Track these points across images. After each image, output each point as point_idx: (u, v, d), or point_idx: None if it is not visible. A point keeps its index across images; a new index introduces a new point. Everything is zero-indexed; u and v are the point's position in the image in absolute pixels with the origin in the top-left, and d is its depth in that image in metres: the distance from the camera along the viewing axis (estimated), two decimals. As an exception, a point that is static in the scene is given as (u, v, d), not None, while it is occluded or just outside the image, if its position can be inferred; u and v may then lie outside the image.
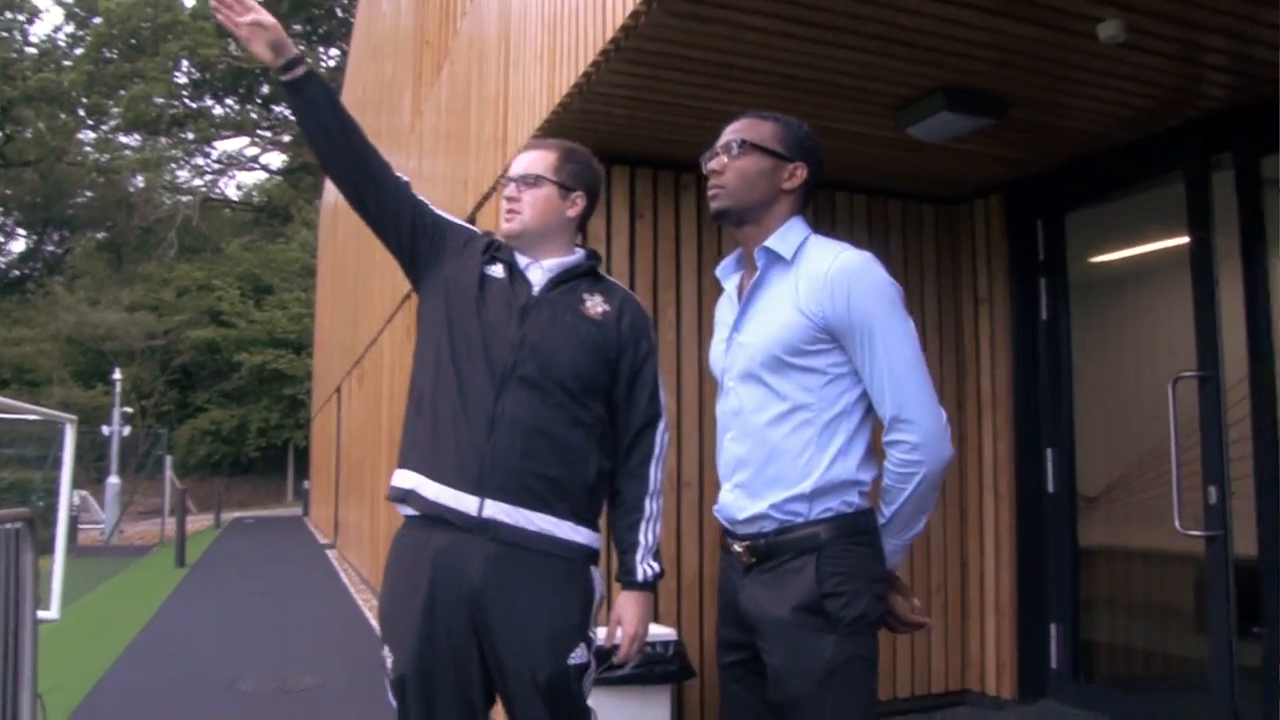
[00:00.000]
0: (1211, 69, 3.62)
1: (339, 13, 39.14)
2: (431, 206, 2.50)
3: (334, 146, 2.33)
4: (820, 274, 2.07)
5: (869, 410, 2.11)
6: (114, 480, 20.58)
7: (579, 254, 2.48)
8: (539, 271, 2.42)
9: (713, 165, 2.20)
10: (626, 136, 4.30)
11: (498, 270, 2.42)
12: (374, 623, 8.44)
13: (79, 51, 37.72)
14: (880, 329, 2.03)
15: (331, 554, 14.83)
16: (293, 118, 2.34)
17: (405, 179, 2.46)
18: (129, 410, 26.02)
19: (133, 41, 36.99)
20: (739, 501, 2.16)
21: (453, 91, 6.63)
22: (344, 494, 14.43)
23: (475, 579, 2.20)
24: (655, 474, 2.39)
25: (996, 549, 4.98)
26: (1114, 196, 4.64)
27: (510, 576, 2.22)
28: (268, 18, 2.26)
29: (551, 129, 4.11)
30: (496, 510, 2.23)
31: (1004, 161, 4.67)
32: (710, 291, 4.63)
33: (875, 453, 2.12)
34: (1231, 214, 3.99)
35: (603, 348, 2.35)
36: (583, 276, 2.44)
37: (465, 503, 2.24)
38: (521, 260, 2.44)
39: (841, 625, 1.99)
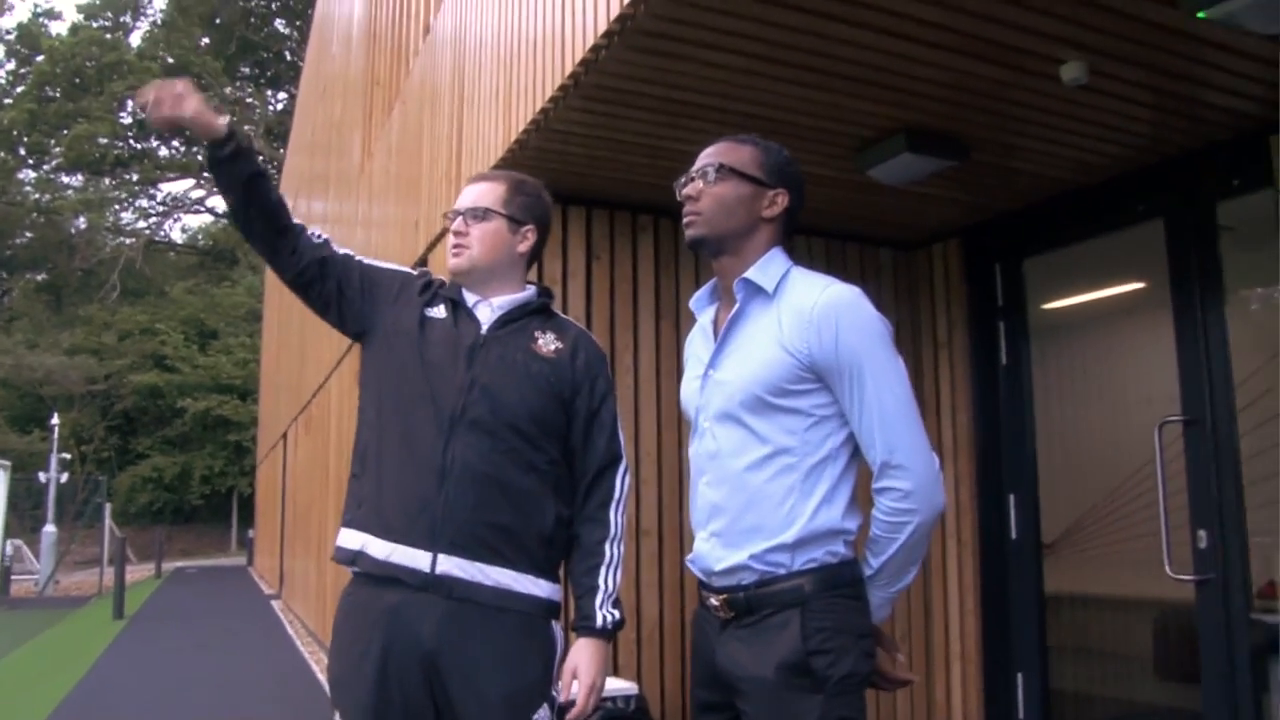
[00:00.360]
0: (1170, 114, 3.60)
1: (288, 55, 39.00)
2: (357, 257, 2.39)
3: (243, 213, 2.25)
4: (806, 309, 1.95)
5: (855, 454, 1.99)
6: (50, 529, 20.00)
7: (530, 290, 2.37)
8: (487, 309, 2.30)
9: (688, 191, 2.09)
10: (583, 176, 4.22)
11: (439, 310, 2.30)
12: (321, 677, 8.18)
13: (20, 89, 37.18)
14: (870, 368, 1.92)
15: (276, 604, 14.47)
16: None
17: (324, 237, 2.35)
18: (67, 456, 25.35)
19: (76, 80, 36.54)
20: (715, 551, 2.02)
21: (404, 132, 6.53)
22: (289, 543, 14.11)
23: (429, 639, 2.07)
24: (616, 518, 2.27)
25: (960, 596, 4.90)
26: (1072, 241, 4.62)
27: (466, 635, 2.09)
28: (188, 98, 2.14)
29: (506, 167, 4.00)
30: (450, 565, 2.10)
31: (962, 205, 4.64)
32: (668, 335, 4.55)
33: (860, 500, 2.01)
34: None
35: (556, 387, 2.24)
36: (534, 314, 2.33)
37: (417, 559, 2.11)
38: (469, 298, 2.32)
39: (829, 685, 1.87)
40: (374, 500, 2.18)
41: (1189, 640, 4.09)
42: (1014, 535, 4.82)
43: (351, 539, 2.19)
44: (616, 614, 2.21)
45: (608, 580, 2.21)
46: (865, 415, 1.92)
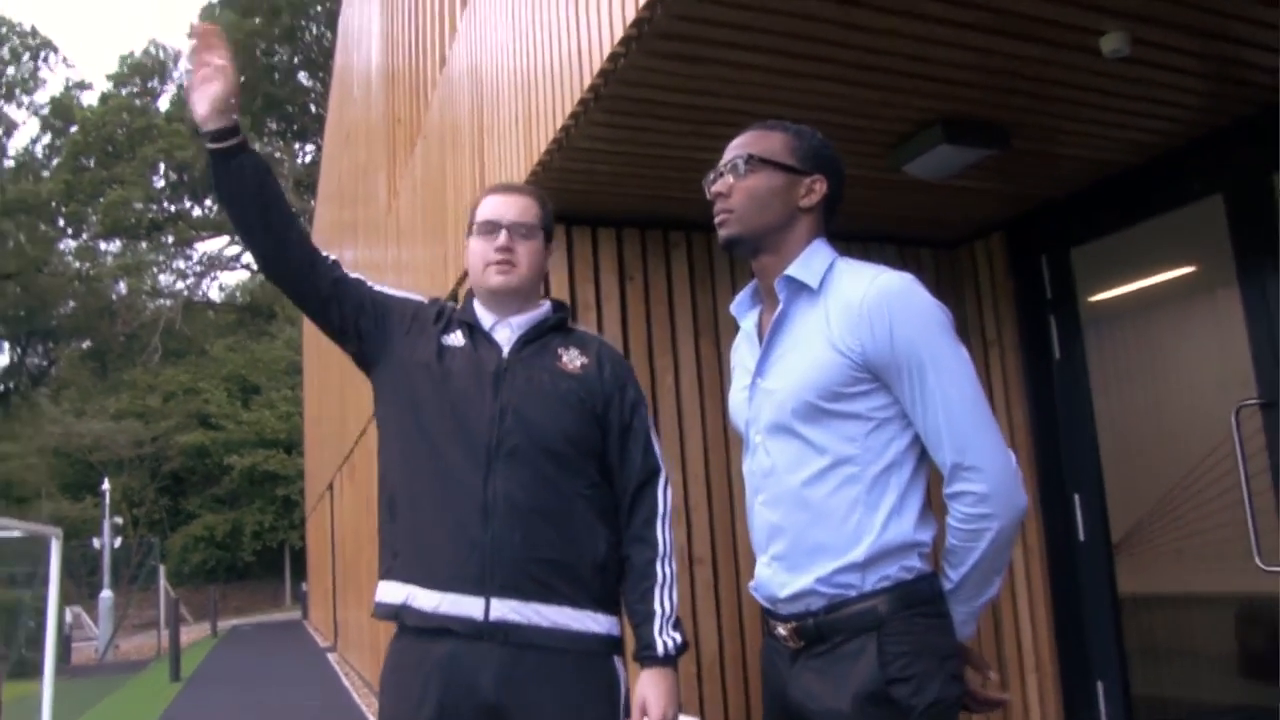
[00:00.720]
0: (1217, 80, 3.44)
1: (312, 108, 39.45)
2: (369, 283, 2.26)
3: (249, 218, 2.09)
4: (855, 302, 1.77)
5: (922, 458, 1.81)
6: (107, 594, 20.12)
7: (545, 306, 2.25)
8: (506, 331, 2.18)
9: (718, 187, 1.91)
10: (610, 195, 4.11)
11: (456, 338, 2.18)
12: (377, 726, 8.06)
13: (56, 161, 37.88)
14: (931, 361, 1.74)
15: (332, 657, 14.39)
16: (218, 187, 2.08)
17: (333, 258, 2.21)
18: (120, 520, 25.54)
19: (109, 148, 37.20)
20: (779, 577, 1.85)
21: (427, 167, 6.46)
22: (341, 594, 14.04)
23: (488, 690, 1.94)
24: (663, 534, 2.12)
25: (1030, 605, 4.69)
26: (1122, 226, 4.44)
27: (528, 684, 1.95)
28: (231, 71, 2.05)
29: (531, 191, 3.91)
30: (505, 610, 1.96)
31: (1003, 197, 4.48)
32: (708, 353, 4.41)
33: (933, 507, 1.84)
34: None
35: (588, 402, 2.11)
36: (553, 330, 2.21)
37: (469, 606, 1.97)
38: (486, 320, 2.20)
39: (914, 715, 1.68)
40: (413, 547, 2.05)
41: (1276, 635, 3.88)
42: (1082, 537, 4.61)
43: (393, 592, 2.05)
44: (678, 637, 2.07)
45: (664, 602, 2.07)
46: (930, 414, 1.75)
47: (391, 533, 2.11)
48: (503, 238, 2.17)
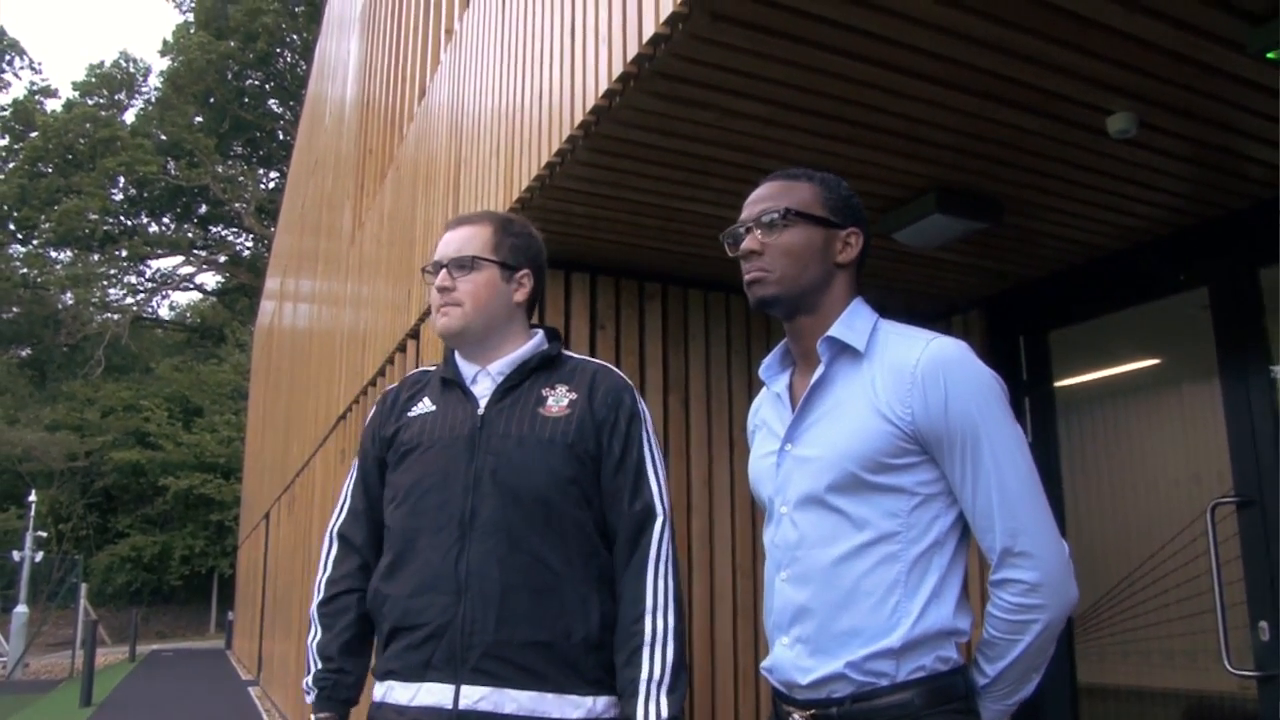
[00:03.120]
0: (1215, 171, 3.39)
1: (280, 135, 39.20)
2: (361, 468, 2.10)
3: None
4: (907, 367, 1.64)
5: (964, 539, 1.67)
6: (22, 609, 19.40)
7: (531, 342, 2.04)
8: (486, 381, 1.99)
9: (748, 244, 1.76)
10: (587, 239, 3.97)
11: (423, 405, 2.00)
12: (296, 772, 7.72)
13: (12, 165, 37.19)
14: (987, 434, 1.60)
15: (254, 691, 13.92)
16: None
17: (351, 523, 2.06)
18: (44, 534, 24.75)
19: (69, 156, 36.56)
20: (801, 661, 1.67)
21: (397, 198, 6.30)
22: (269, 626, 13.63)
23: None
24: (655, 584, 1.86)
25: (987, 691, 4.55)
26: (1103, 311, 4.38)
27: None
28: None
29: (507, 229, 3.77)
30: (475, 697, 1.78)
31: (984, 273, 4.41)
32: (676, 411, 4.27)
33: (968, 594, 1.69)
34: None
35: (579, 446, 1.90)
36: (538, 370, 2.00)
37: (439, 695, 1.80)
38: (466, 371, 2.01)
39: None
40: (391, 642, 1.89)
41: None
42: (1044, 625, 4.49)
43: (375, 692, 1.91)
44: (664, 707, 1.79)
45: (653, 665, 1.82)
46: (981, 493, 1.61)
47: (378, 632, 1.95)
48: (442, 277, 2.00)
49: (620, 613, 1.88)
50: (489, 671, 1.79)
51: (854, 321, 1.74)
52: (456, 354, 2.05)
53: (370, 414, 2.15)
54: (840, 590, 1.64)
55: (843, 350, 1.73)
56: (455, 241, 2.04)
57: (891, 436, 1.63)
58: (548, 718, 1.79)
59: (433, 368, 2.12)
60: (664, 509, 1.94)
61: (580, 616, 1.84)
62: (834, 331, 1.72)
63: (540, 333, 2.10)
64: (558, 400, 1.95)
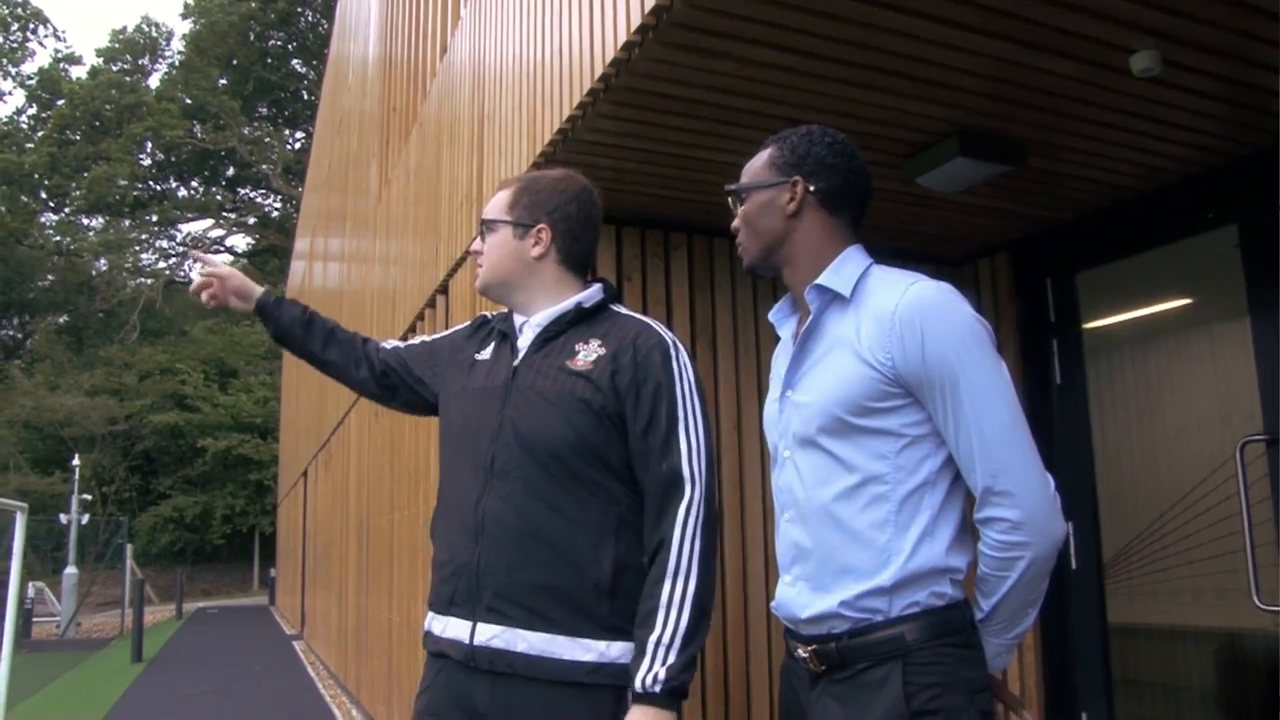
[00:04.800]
0: (1243, 108, 3.36)
1: (305, 95, 39.20)
2: (417, 341, 2.33)
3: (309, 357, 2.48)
4: (887, 312, 1.68)
5: (958, 478, 1.70)
6: (71, 570, 19.82)
7: (578, 296, 2.08)
8: (530, 332, 2.07)
9: (733, 225, 1.92)
10: (611, 192, 3.97)
11: (486, 352, 2.12)
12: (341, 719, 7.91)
13: (41, 134, 37.43)
14: (966, 379, 1.63)
15: (298, 645, 14.22)
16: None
17: (390, 345, 2.35)
18: (88, 498, 25.21)
19: (96, 123, 36.78)
20: (802, 597, 1.75)
21: (422, 156, 6.34)
22: (310, 582, 13.87)
23: (482, 706, 1.89)
24: (678, 547, 1.83)
25: (1018, 632, 4.60)
26: (1131, 252, 4.36)
27: (516, 715, 1.85)
28: (227, 272, 2.37)
29: (531, 184, 3.80)
30: (489, 635, 1.87)
31: (1011, 216, 4.39)
32: (705, 359, 4.30)
33: (970, 530, 1.73)
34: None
35: (595, 403, 1.91)
36: (579, 322, 2.04)
37: (459, 630, 1.91)
38: (517, 322, 2.11)
39: None
40: (435, 573, 2.05)
41: (1264, 673, 3.81)
42: (1074, 565, 4.52)
43: (425, 621, 2.07)
44: (664, 670, 1.77)
45: (664, 628, 1.80)
46: (962, 434, 1.64)
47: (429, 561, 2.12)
48: (477, 240, 2.16)
49: (648, 572, 1.88)
50: (500, 611, 1.87)
51: (842, 268, 1.79)
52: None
53: (460, 329, 2.35)
54: (834, 530, 1.70)
55: (832, 297, 1.78)
56: (488, 206, 2.18)
57: (874, 381, 1.67)
58: (558, 658, 1.84)
59: (495, 315, 2.27)
60: (694, 472, 1.90)
61: (593, 562, 1.87)
62: (821, 279, 1.78)
63: (596, 285, 2.14)
64: (587, 355, 1.98)
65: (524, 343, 2.06)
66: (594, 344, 2.00)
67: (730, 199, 1.90)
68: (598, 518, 1.90)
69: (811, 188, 1.82)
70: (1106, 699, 4.40)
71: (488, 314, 2.26)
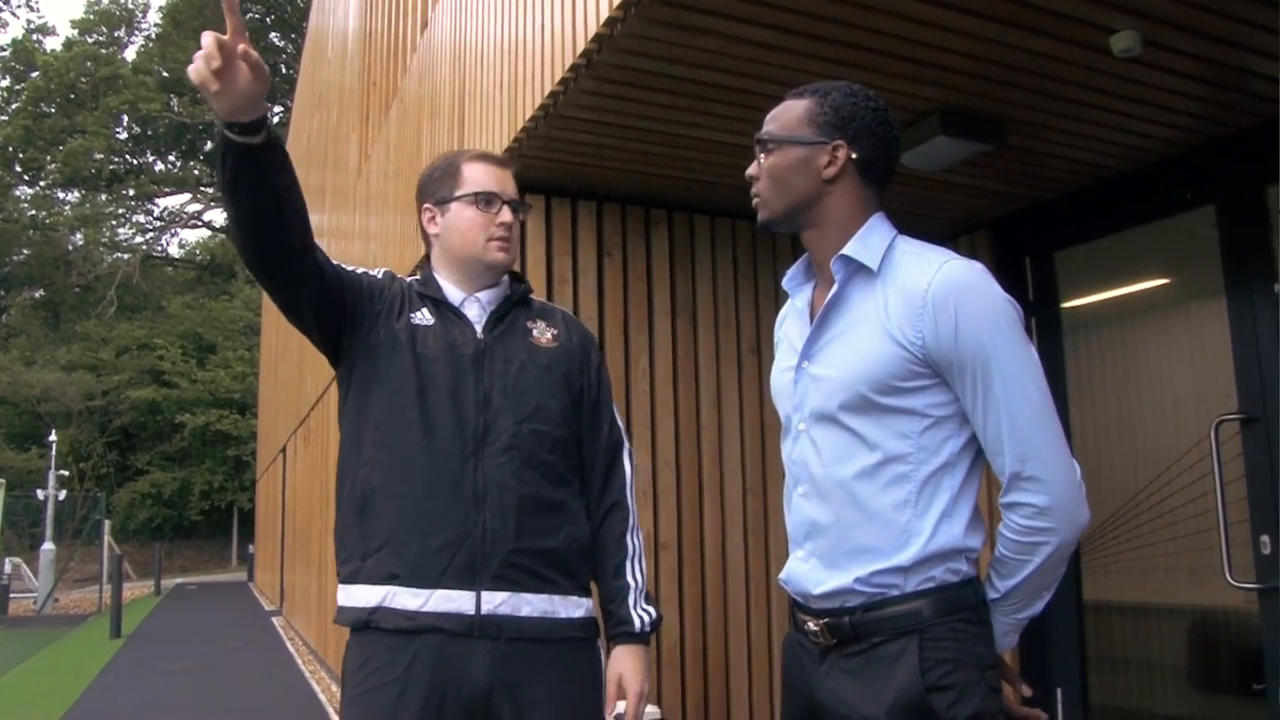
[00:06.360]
0: (1222, 89, 3.38)
1: (283, 69, 38.82)
2: (347, 267, 2.03)
3: (261, 217, 1.79)
4: (918, 291, 1.63)
5: (978, 459, 1.68)
6: (49, 546, 19.75)
7: (506, 280, 2.15)
8: (476, 307, 2.07)
9: (750, 171, 1.80)
10: (592, 168, 3.99)
11: (424, 315, 2.04)
12: (321, 696, 7.94)
13: (15, 106, 36.94)
14: (998, 362, 1.59)
15: (277, 621, 14.22)
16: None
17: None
18: (65, 473, 25.12)
19: (71, 95, 36.30)
20: (815, 574, 1.72)
21: (402, 131, 6.30)
22: (290, 558, 13.86)
23: (482, 678, 1.86)
24: (632, 505, 2.13)
25: (994, 608, 4.64)
26: (1109, 231, 4.38)
27: (520, 676, 1.88)
28: (256, 59, 1.76)
29: (512, 159, 3.78)
30: (496, 602, 1.88)
31: (991, 195, 4.41)
32: (685, 335, 4.31)
33: (981, 511, 1.71)
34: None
35: (568, 377, 2.08)
36: (518, 305, 2.13)
37: (459, 602, 1.87)
38: (454, 295, 2.07)
39: None
40: (392, 545, 1.90)
41: (1236, 650, 3.85)
42: (1050, 542, 4.56)
43: (363, 596, 1.91)
44: (652, 611, 2.06)
45: (636, 575, 2.07)
46: (991, 418, 1.61)
47: (363, 533, 1.94)
48: (506, 214, 2.08)
49: (606, 527, 2.09)
50: (507, 577, 1.89)
51: (869, 239, 1.71)
52: (439, 277, 2.10)
53: (372, 273, 2.10)
54: (852, 508, 1.67)
55: (858, 269, 1.71)
56: (512, 183, 2.14)
57: (902, 360, 1.63)
58: (559, 617, 1.95)
59: (402, 277, 2.11)
60: (628, 438, 2.20)
61: (577, 525, 2.03)
62: (848, 250, 1.71)
63: (506, 275, 2.17)
64: (542, 333, 2.10)
65: (473, 315, 2.05)
66: (542, 324, 2.12)
67: (756, 145, 1.79)
68: (577, 486, 2.06)
69: (855, 155, 1.73)
70: (1081, 675, 4.46)
71: (393, 272, 2.11)
